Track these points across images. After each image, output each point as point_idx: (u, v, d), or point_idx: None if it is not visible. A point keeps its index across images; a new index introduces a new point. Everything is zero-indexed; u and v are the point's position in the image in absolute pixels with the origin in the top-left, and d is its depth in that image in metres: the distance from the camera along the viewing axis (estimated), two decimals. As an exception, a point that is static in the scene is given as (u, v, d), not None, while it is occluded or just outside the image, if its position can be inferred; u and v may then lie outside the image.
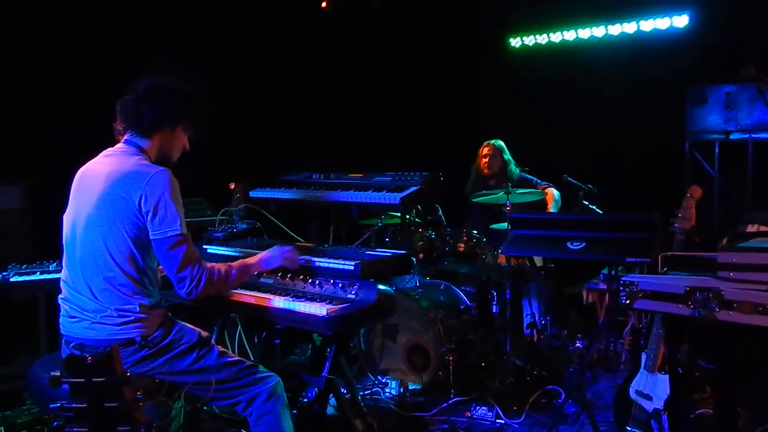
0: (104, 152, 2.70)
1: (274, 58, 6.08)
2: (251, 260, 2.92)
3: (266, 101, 6.00)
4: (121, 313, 2.50)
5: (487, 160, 5.19)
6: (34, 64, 4.59)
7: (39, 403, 2.69)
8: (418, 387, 4.29)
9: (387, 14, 6.61)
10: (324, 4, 6.38)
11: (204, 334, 2.69)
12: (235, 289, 2.99)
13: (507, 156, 5.21)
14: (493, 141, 5.26)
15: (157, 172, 2.52)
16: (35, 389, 2.62)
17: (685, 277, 2.50)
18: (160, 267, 2.64)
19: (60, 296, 2.66)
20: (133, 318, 2.51)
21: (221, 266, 2.69)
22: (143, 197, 2.47)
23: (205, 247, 3.58)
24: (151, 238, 2.50)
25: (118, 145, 2.69)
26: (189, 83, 2.73)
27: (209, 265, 2.63)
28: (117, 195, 2.50)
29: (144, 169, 2.54)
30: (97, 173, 2.60)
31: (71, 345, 2.57)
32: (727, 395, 2.89)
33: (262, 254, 2.97)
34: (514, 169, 5.19)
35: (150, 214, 2.47)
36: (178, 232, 2.49)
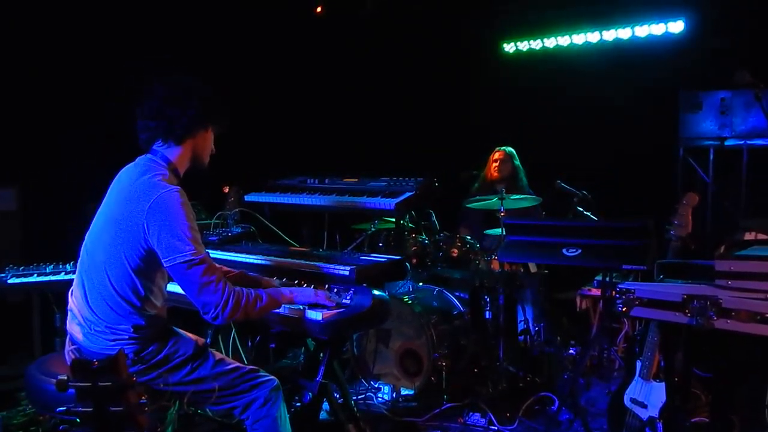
0: (137, 159, 2.60)
1: (269, 62, 6.07)
2: (285, 290, 2.77)
3: (261, 105, 5.98)
4: (114, 330, 2.45)
5: (497, 164, 5.22)
6: (31, 65, 4.56)
7: (36, 404, 2.66)
8: (411, 392, 4.27)
9: (379, 20, 6.60)
10: (318, 10, 6.36)
11: (200, 342, 2.64)
12: (264, 316, 2.79)
13: (517, 162, 5.25)
14: (504, 147, 5.32)
15: (159, 195, 2.38)
16: (32, 390, 2.58)
17: (682, 285, 2.50)
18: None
19: (71, 292, 2.61)
20: (126, 337, 2.46)
21: (251, 290, 2.53)
22: (146, 225, 2.37)
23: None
24: (164, 266, 2.40)
25: (147, 155, 2.57)
26: (201, 80, 2.63)
27: (238, 288, 2.48)
28: (123, 217, 2.41)
29: (149, 190, 2.40)
30: (119, 184, 2.56)
31: (74, 347, 2.54)
32: (722, 403, 2.90)
33: (295, 288, 2.83)
34: (524, 178, 5.21)
35: (156, 242, 2.37)
36: (188, 258, 2.34)
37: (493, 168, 5.24)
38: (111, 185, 2.62)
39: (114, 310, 2.45)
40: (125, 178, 2.55)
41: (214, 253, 3.51)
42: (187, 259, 2.35)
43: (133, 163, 2.60)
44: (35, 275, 3.74)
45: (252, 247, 3.63)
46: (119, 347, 2.38)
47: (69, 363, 2.55)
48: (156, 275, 2.51)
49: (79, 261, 2.59)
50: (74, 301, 2.56)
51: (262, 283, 2.95)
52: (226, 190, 4.05)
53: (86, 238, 2.59)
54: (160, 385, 2.51)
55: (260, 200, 4.00)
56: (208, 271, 2.39)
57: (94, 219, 2.59)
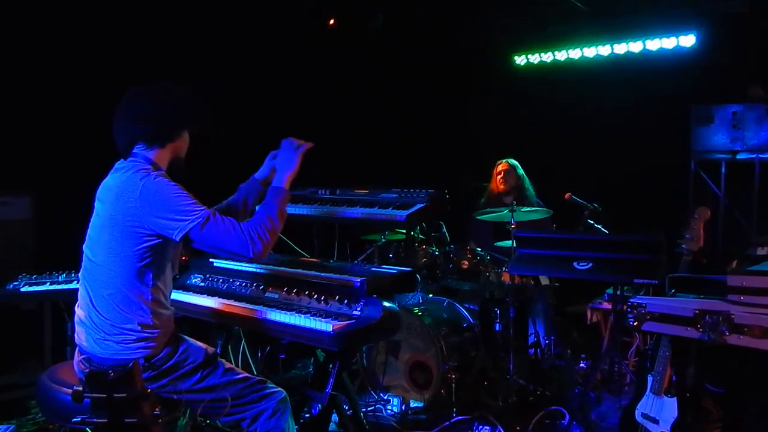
0: (117, 165, 2.63)
1: (281, 73, 6.09)
2: (277, 183, 2.76)
3: (272, 115, 6.00)
4: (121, 330, 2.46)
5: (502, 176, 5.24)
6: (46, 74, 4.59)
7: (47, 413, 2.67)
8: (420, 405, 4.26)
9: (391, 32, 6.62)
10: (332, 22, 6.39)
11: (210, 350, 2.65)
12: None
13: (521, 173, 5.27)
14: (507, 159, 5.34)
15: (145, 182, 2.43)
16: (44, 399, 2.59)
17: (694, 300, 2.49)
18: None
19: (77, 305, 2.63)
20: (134, 338, 2.47)
21: (259, 214, 2.55)
22: (141, 211, 2.40)
23: (211, 259, 3.58)
24: (177, 240, 2.43)
25: (128, 159, 2.60)
26: (180, 84, 2.67)
27: (249, 221, 2.51)
28: (117, 213, 2.45)
29: (135, 181, 2.45)
30: (106, 189, 2.58)
31: (82, 357, 2.55)
32: (734, 419, 2.87)
33: (281, 169, 2.83)
34: (531, 188, 5.21)
35: (158, 224, 2.41)
36: (197, 219, 2.39)
37: (498, 180, 5.26)
38: (97, 195, 2.64)
39: (121, 308, 2.46)
40: (111, 183, 2.57)
41: (225, 262, 3.54)
42: (197, 220, 2.40)
43: (113, 169, 2.63)
44: (48, 284, 3.77)
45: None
46: (128, 351, 2.42)
47: (78, 374, 2.58)
48: (161, 264, 2.53)
49: (81, 272, 2.62)
50: (80, 311, 2.59)
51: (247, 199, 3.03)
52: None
53: (84, 249, 2.61)
54: (172, 393, 2.52)
55: (271, 210, 4.00)
56: (221, 221, 2.43)
57: (88, 230, 2.61)
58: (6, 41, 4.45)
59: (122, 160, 2.61)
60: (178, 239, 2.42)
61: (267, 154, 3.14)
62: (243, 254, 2.44)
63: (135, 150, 2.60)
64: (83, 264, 2.60)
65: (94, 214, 2.61)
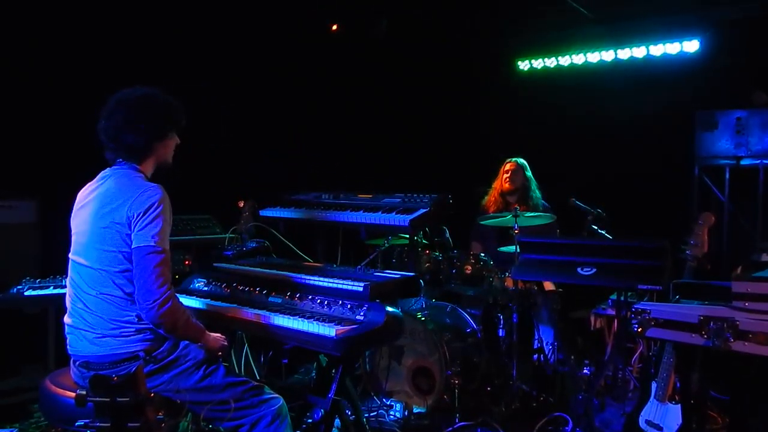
0: (101, 173, 2.69)
1: (285, 78, 6.11)
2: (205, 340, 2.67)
3: (276, 120, 6.02)
4: (119, 324, 2.49)
5: (509, 175, 5.21)
6: (48, 75, 4.60)
7: (50, 417, 2.68)
8: (423, 410, 4.25)
9: (395, 38, 6.63)
10: (334, 28, 6.40)
11: None
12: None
13: (529, 174, 5.24)
14: (515, 158, 5.31)
15: (144, 190, 2.50)
16: (47, 403, 2.60)
17: (698, 306, 2.48)
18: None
19: (64, 317, 2.65)
20: (133, 329, 2.50)
21: (189, 315, 2.58)
22: (131, 206, 2.45)
23: (215, 264, 3.58)
24: (132, 247, 2.46)
25: (115, 167, 2.66)
26: (154, 89, 2.69)
27: (183, 304, 2.57)
28: (109, 210, 2.49)
29: (138, 183, 2.54)
30: (93, 192, 2.62)
31: (77, 363, 2.56)
32: (739, 426, 2.86)
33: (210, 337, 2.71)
34: (537, 191, 5.19)
35: (133, 221, 2.45)
36: (150, 244, 2.42)
37: (504, 179, 5.23)
38: (77, 202, 2.68)
39: (117, 303, 2.49)
40: (95, 186, 2.61)
41: (229, 267, 3.53)
42: (149, 244, 2.42)
43: (100, 176, 2.67)
44: (51, 287, 3.78)
45: (266, 262, 3.65)
46: (128, 344, 2.46)
47: (78, 382, 2.59)
48: None
49: (68, 283, 2.64)
50: (69, 318, 2.61)
51: None
52: (241, 205, 4.07)
53: (73, 258, 2.62)
54: (174, 392, 2.53)
55: (275, 215, 4.01)
56: (164, 265, 2.45)
57: (74, 232, 2.64)
58: (13, 46, 4.47)
59: (111, 167, 2.66)
60: (131, 246, 2.45)
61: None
62: (142, 302, 2.43)
63: (120, 158, 2.65)
64: (71, 273, 2.63)
65: (77, 219, 2.63)
